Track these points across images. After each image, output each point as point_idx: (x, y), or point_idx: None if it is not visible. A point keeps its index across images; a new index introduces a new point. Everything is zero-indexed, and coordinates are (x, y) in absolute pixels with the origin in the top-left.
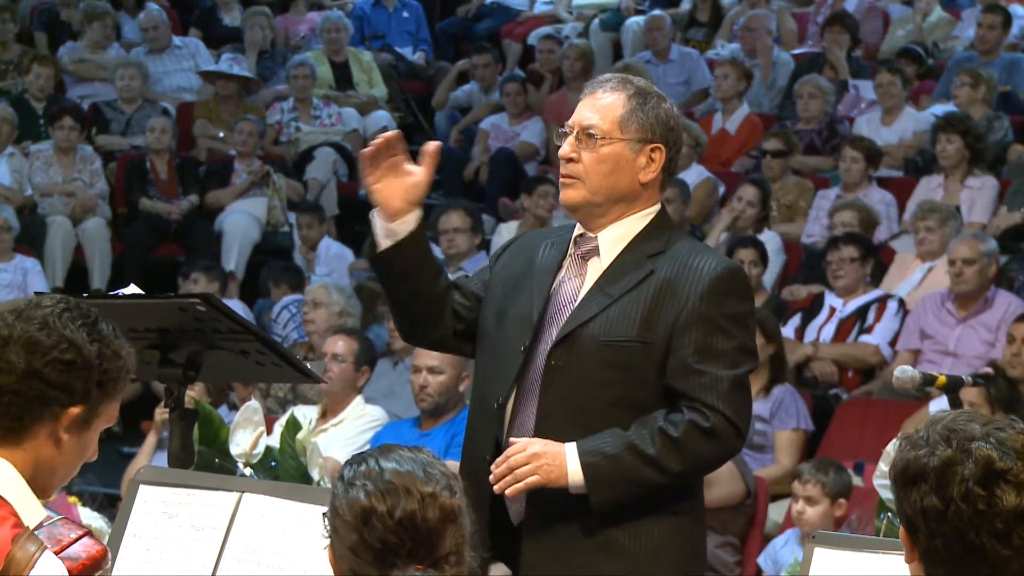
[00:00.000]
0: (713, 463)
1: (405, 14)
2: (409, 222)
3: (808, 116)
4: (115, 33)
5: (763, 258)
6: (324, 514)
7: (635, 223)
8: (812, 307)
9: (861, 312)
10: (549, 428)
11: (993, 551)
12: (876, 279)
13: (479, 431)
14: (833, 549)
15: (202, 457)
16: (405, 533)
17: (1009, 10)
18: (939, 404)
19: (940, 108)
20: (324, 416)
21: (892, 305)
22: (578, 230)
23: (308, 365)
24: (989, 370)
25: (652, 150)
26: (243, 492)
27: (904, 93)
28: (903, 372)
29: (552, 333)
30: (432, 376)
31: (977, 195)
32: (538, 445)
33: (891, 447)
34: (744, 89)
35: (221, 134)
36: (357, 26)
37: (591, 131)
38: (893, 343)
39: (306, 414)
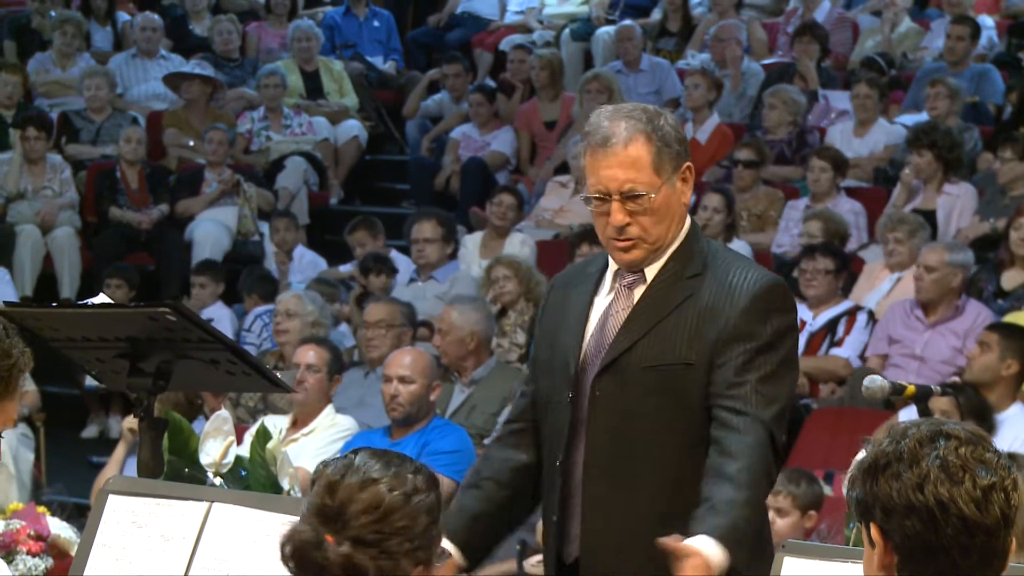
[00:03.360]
0: (771, 469)
1: (376, 23)
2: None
3: (771, 126)
4: (85, 42)
5: None
6: None
7: (673, 244)
8: None
9: (831, 325)
10: (593, 476)
11: (975, 520)
12: (845, 289)
13: (548, 489)
14: (802, 558)
15: (172, 466)
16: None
17: (978, 21)
18: (909, 413)
19: (910, 118)
20: (295, 425)
21: (861, 318)
22: (614, 265)
23: (279, 375)
24: (956, 378)
25: (684, 170)
26: (213, 502)
27: (879, 105)
28: (872, 381)
29: (597, 366)
30: (403, 385)
31: (955, 201)
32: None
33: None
34: (714, 99)
35: (191, 143)
36: (328, 35)
37: (635, 192)
38: (863, 355)
39: (276, 424)
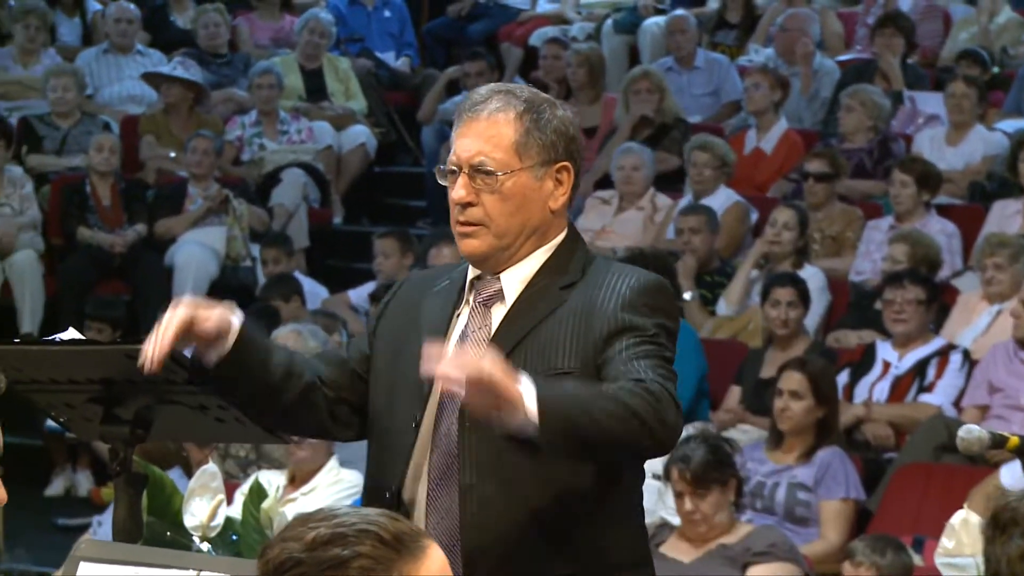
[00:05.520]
0: (654, 432)
1: (387, 13)
2: (230, 334)
3: (848, 133)
4: (50, 36)
5: (803, 298)
6: None
7: (541, 256)
8: (863, 362)
9: (920, 367)
10: (474, 504)
11: None
12: (937, 323)
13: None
14: None
15: (151, 529)
16: None
17: None
18: (1011, 470)
19: (1011, 124)
20: (293, 482)
21: (955, 358)
22: (473, 272)
23: None
24: None
25: (558, 170)
26: (200, 571)
27: (978, 109)
28: (968, 432)
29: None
30: None
31: None
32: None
33: (956, 519)
34: (780, 100)
35: (173, 154)
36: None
37: (485, 167)
38: (957, 402)
39: (272, 480)
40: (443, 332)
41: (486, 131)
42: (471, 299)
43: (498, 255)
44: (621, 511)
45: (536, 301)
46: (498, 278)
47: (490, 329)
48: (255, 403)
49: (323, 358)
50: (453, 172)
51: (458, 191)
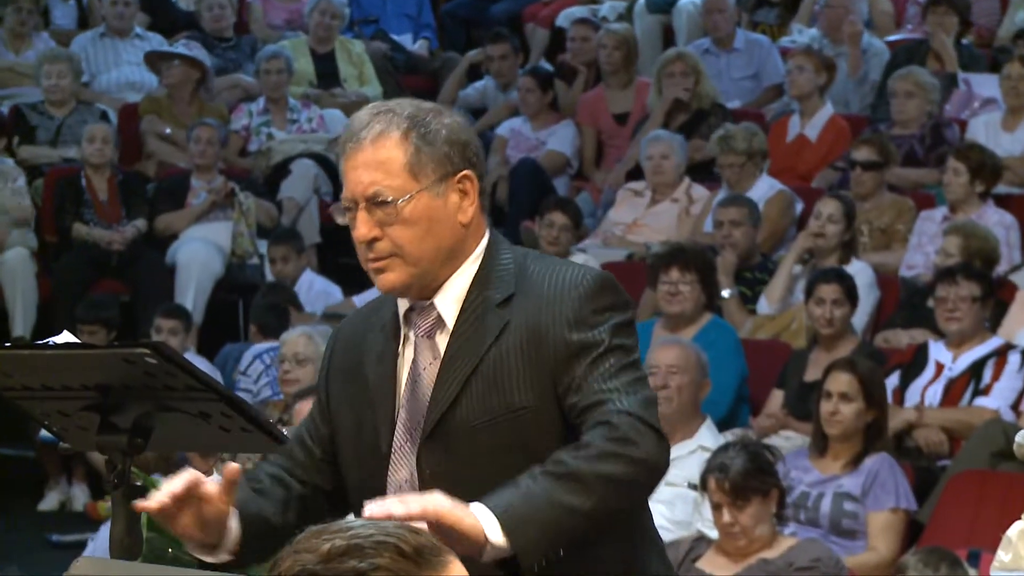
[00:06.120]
0: (635, 481)
1: None
2: (228, 543)
3: (905, 119)
4: (43, 19)
5: (850, 295)
6: None
7: (470, 269)
8: (914, 363)
9: (976, 368)
10: None
11: None
12: (994, 321)
13: None
14: None
15: (151, 546)
16: None
17: None
18: None
19: None
20: None
21: (1014, 359)
22: (403, 304)
23: (284, 431)
24: None
25: (460, 181)
26: None
27: None
28: None
29: (417, 440)
30: None
31: None
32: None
33: (1013, 531)
34: (825, 84)
35: (168, 130)
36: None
37: (381, 197)
38: (1016, 406)
39: None
40: (392, 378)
41: (374, 158)
42: (411, 334)
43: (420, 283)
44: (621, 544)
45: (477, 323)
46: (432, 304)
47: (439, 361)
48: (271, 550)
49: (292, 459)
50: (348, 209)
51: (360, 229)
